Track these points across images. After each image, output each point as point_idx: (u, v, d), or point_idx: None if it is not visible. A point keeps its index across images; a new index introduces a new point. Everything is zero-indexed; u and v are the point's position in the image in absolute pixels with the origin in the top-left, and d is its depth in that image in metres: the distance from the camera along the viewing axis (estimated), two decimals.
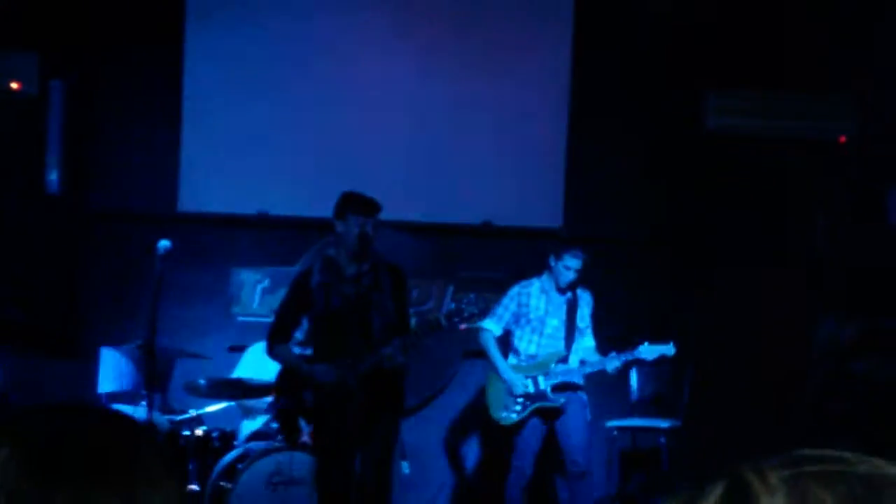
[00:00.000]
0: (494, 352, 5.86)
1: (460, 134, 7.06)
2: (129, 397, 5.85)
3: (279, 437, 5.47)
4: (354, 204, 4.89)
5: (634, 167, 7.12)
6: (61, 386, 6.33)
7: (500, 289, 7.01)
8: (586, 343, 5.88)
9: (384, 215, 5.02)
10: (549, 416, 5.75)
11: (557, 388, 5.71)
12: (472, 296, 6.01)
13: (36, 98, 6.70)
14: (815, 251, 7.15)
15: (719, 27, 7.04)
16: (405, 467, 6.05)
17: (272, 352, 5.10)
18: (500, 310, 5.90)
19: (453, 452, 7.03)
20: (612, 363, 5.63)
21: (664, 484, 6.28)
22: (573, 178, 7.12)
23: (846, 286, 7.05)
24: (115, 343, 6.05)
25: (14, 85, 6.65)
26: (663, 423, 6.48)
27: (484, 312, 5.51)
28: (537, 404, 5.72)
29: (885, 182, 7.11)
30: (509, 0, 7.16)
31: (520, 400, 5.72)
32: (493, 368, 5.84)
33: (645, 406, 6.75)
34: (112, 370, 5.86)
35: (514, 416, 5.75)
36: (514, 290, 5.93)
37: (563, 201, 7.11)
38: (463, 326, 5.25)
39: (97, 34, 6.89)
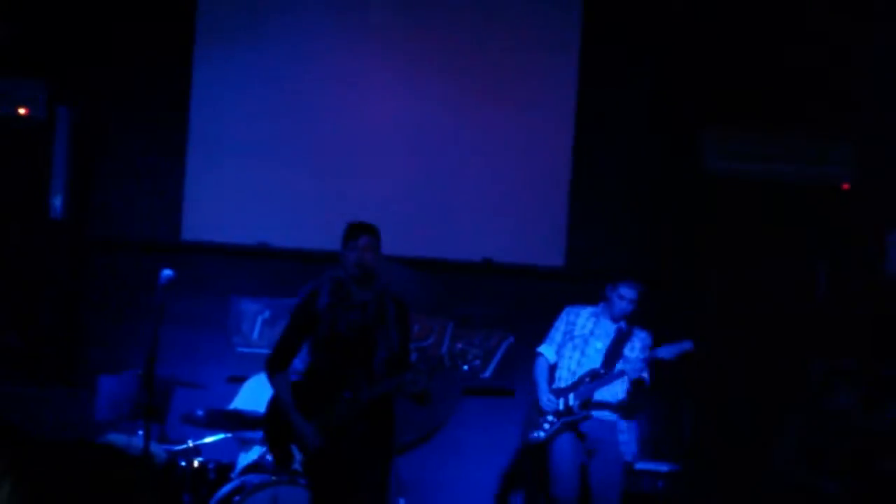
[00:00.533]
0: (538, 377, 5.80)
1: (462, 170, 7.08)
2: (126, 426, 5.82)
3: (276, 471, 5.43)
4: (351, 231, 4.95)
5: (636, 207, 7.14)
6: (59, 413, 6.30)
7: (501, 326, 7.03)
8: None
9: (385, 250, 5.04)
10: (577, 429, 5.67)
11: (585, 405, 5.65)
12: (477, 339, 6.06)
13: (43, 124, 6.73)
14: (815, 297, 7.15)
15: (721, 71, 7.09)
16: None
17: (272, 379, 4.99)
18: (553, 333, 5.87)
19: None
20: (632, 365, 5.56)
21: None
22: (575, 217, 7.14)
23: (844, 332, 7.04)
24: (113, 371, 6.03)
25: (22, 111, 6.68)
26: (662, 467, 6.44)
27: (489, 357, 5.56)
28: (563, 420, 5.67)
29: (884, 228, 7.12)
30: (514, 40, 7.19)
31: (549, 418, 5.68)
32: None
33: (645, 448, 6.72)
34: (110, 398, 5.82)
35: (541, 433, 5.70)
36: (564, 311, 5.90)
37: (565, 239, 7.12)
38: (465, 368, 5.33)
39: (105, 62, 6.93)
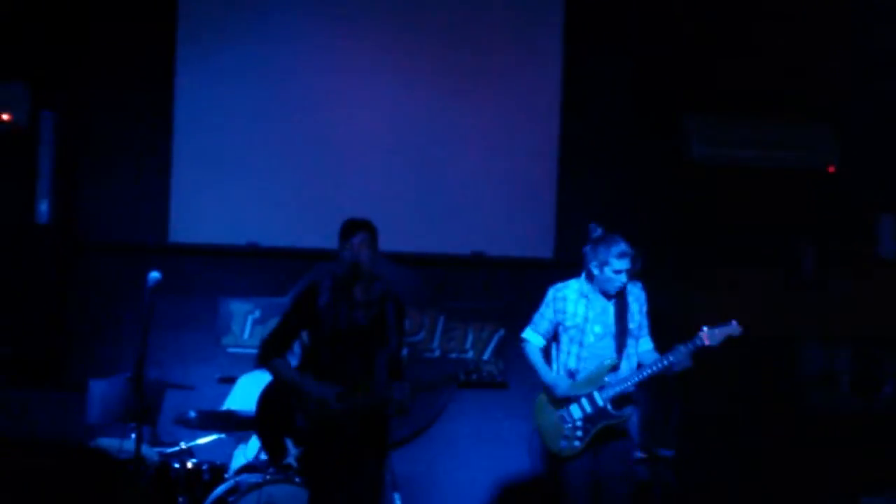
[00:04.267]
0: (537, 361, 5.20)
1: (450, 165, 7.07)
2: (118, 429, 5.80)
3: (271, 470, 5.42)
4: (347, 228, 4.93)
5: (624, 197, 7.14)
6: (49, 418, 6.27)
7: (491, 319, 7.02)
8: (643, 347, 5.21)
9: None
10: (614, 434, 5.10)
11: (617, 402, 5.06)
12: (491, 358, 5.81)
13: (27, 128, 6.70)
14: (805, 280, 7.17)
15: (705, 59, 7.11)
16: (397, 499, 6.02)
17: (268, 364, 4.92)
18: (536, 318, 5.25)
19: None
20: (678, 356, 4.98)
21: None
22: (564, 209, 7.14)
23: (836, 316, 7.07)
24: (103, 374, 6.01)
25: (5, 116, 6.65)
26: (662, 452, 6.41)
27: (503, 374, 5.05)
28: (601, 424, 5.05)
29: (874, 211, 7.15)
30: (499, 34, 7.19)
31: (579, 424, 5.06)
32: (540, 382, 5.18)
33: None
34: (100, 402, 5.80)
35: (577, 443, 5.06)
36: (549, 294, 5.24)
37: (554, 231, 7.11)
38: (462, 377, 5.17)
39: (88, 65, 6.90)
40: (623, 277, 5.09)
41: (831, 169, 7.17)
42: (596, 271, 5.12)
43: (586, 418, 5.06)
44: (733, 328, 5.01)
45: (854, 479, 6.47)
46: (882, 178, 7.16)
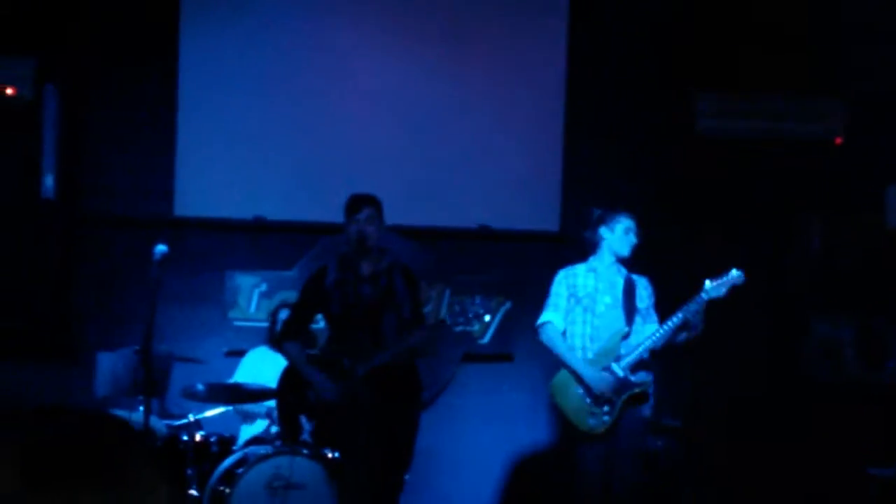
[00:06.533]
0: (563, 348, 5.16)
1: (457, 138, 7.05)
2: (126, 402, 5.83)
3: (278, 442, 5.45)
4: (352, 203, 4.98)
5: (629, 170, 7.12)
6: (58, 391, 6.31)
7: (498, 292, 7.02)
8: (650, 329, 5.19)
9: None
10: (638, 401, 5.09)
11: (635, 369, 5.08)
12: (477, 299, 5.86)
13: (31, 103, 6.68)
14: (811, 252, 7.15)
15: (711, 30, 7.07)
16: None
17: (282, 348, 5.13)
18: (553, 299, 5.27)
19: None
20: (687, 314, 4.95)
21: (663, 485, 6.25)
22: (569, 182, 7.12)
23: (843, 287, 7.05)
24: (111, 348, 6.03)
25: (9, 90, 6.63)
26: (670, 422, 6.41)
27: (486, 313, 5.18)
28: (625, 395, 5.05)
29: (883, 182, 7.12)
30: (504, 6, 7.15)
31: (603, 397, 5.05)
32: (566, 368, 5.14)
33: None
34: (109, 375, 5.83)
35: (606, 418, 5.04)
36: (560, 275, 5.31)
37: (560, 204, 7.10)
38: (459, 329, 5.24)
39: (92, 39, 6.87)
40: (633, 237, 5.17)
41: (838, 141, 7.15)
42: (608, 234, 5.21)
43: (610, 392, 5.05)
44: (734, 276, 5.02)
45: (860, 451, 6.48)
46: (890, 150, 7.12)
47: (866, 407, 6.81)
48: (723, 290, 5.01)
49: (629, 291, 5.20)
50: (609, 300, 5.19)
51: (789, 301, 7.00)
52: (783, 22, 7.04)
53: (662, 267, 6.07)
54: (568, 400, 5.15)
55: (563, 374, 5.21)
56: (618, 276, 5.26)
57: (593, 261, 5.29)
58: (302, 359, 5.00)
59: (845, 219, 7.12)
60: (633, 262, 5.37)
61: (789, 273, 7.04)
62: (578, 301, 5.20)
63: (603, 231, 5.24)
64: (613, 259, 5.29)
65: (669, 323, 5.08)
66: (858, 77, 7.08)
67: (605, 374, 5.08)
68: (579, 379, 5.14)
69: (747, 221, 7.13)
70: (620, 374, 5.08)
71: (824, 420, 6.85)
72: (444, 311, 6.89)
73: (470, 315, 5.00)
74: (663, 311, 5.32)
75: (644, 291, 5.27)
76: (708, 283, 5.02)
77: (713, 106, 7.11)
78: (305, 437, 5.38)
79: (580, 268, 5.31)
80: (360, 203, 4.96)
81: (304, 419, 5.28)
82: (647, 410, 5.22)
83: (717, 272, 5.10)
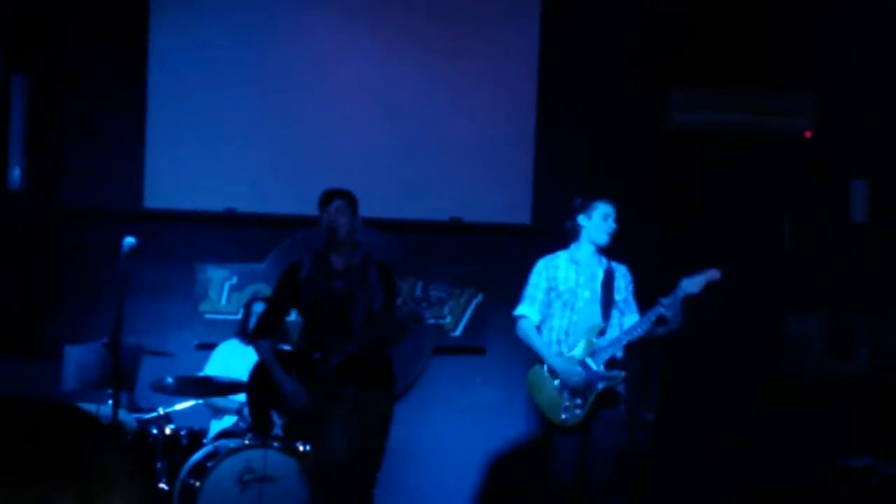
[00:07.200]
0: (537, 342, 5.16)
1: (427, 131, 7.04)
2: (94, 395, 5.78)
3: (248, 436, 5.42)
4: (325, 197, 4.99)
5: (602, 164, 7.13)
6: (25, 385, 6.24)
7: (469, 284, 7.02)
8: (630, 321, 5.19)
9: None
10: (610, 399, 5.11)
11: (609, 365, 5.10)
12: (443, 283, 5.83)
13: None
14: (782, 247, 7.20)
15: (684, 24, 7.09)
16: None
17: (255, 343, 5.12)
18: (530, 290, 5.23)
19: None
20: (663, 310, 4.96)
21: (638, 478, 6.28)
22: (541, 175, 7.12)
23: (812, 281, 7.10)
24: (79, 340, 5.97)
25: None
26: (646, 417, 6.44)
27: (459, 315, 5.16)
28: (597, 388, 5.06)
29: (849, 176, 7.18)
30: (477, 0, 7.14)
31: (577, 391, 5.07)
32: (541, 361, 5.16)
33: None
34: (76, 368, 5.77)
35: (578, 412, 5.07)
36: (540, 264, 5.25)
37: (531, 197, 7.11)
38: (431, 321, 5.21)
39: (61, 28, 6.79)
40: (612, 224, 5.16)
41: (807, 134, 7.20)
42: (585, 222, 5.19)
43: (583, 386, 5.06)
44: (712, 273, 5.01)
45: (830, 443, 6.54)
46: (856, 144, 7.18)
47: (837, 400, 6.87)
48: (698, 287, 5.02)
49: (608, 284, 5.20)
50: (588, 294, 5.18)
51: (760, 295, 7.04)
52: (755, 16, 7.07)
53: (634, 261, 6.09)
54: (542, 393, 5.16)
55: (537, 368, 5.21)
56: (598, 268, 5.24)
57: (574, 251, 5.26)
58: (273, 360, 4.97)
59: (813, 212, 7.17)
60: (612, 252, 5.35)
61: (760, 267, 7.08)
62: (559, 295, 5.18)
63: (581, 219, 5.23)
64: (593, 249, 5.27)
65: (644, 319, 5.09)
66: (828, 71, 7.13)
67: (578, 368, 5.08)
68: (553, 372, 5.14)
69: (718, 214, 7.16)
70: (593, 367, 5.09)
71: (794, 413, 6.91)
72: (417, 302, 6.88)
73: (432, 300, 4.99)
74: (638, 305, 5.32)
75: (622, 281, 5.25)
76: (684, 280, 5.02)
77: (685, 99, 7.14)
78: (277, 431, 5.35)
79: (561, 258, 5.26)
80: (331, 196, 4.98)
81: (275, 414, 5.26)
82: (621, 407, 5.24)
83: (693, 268, 5.10)
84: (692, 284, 5.00)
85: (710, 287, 5.03)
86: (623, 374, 5.13)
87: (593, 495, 5.08)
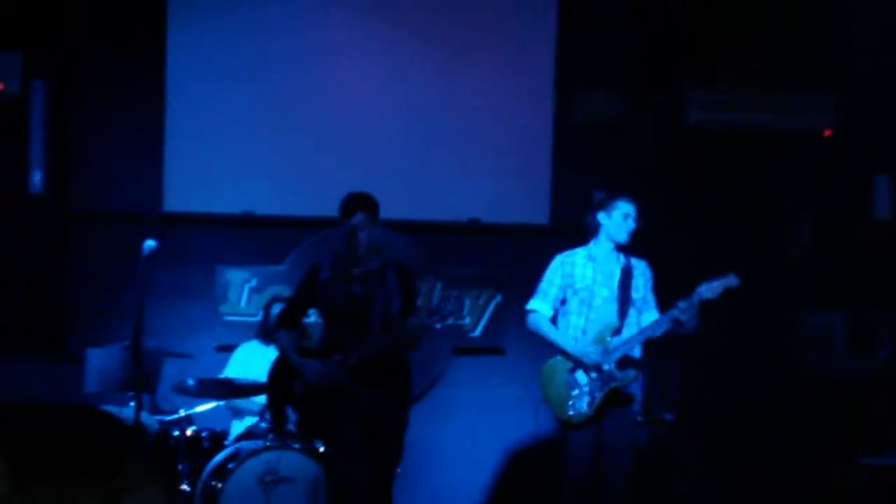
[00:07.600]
0: (550, 330, 5.12)
1: (445, 131, 7.04)
2: (116, 398, 5.81)
3: (270, 437, 5.45)
4: (346, 206, 4.94)
5: (619, 164, 7.11)
6: (47, 388, 6.28)
7: (488, 285, 7.02)
8: (648, 319, 5.13)
9: None
10: (621, 399, 5.06)
11: (621, 364, 5.04)
12: (454, 292, 5.82)
13: (18, 98, 6.65)
14: (801, 245, 7.16)
15: (702, 23, 7.06)
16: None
17: (276, 335, 5.18)
18: (543, 286, 5.19)
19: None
20: (679, 313, 4.90)
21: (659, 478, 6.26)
22: (559, 175, 7.11)
23: (832, 279, 7.07)
24: (101, 344, 6.01)
25: None
26: (666, 416, 6.41)
27: (478, 316, 5.15)
28: (607, 387, 5.02)
29: (870, 173, 7.13)
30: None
31: (586, 389, 5.03)
32: (554, 349, 5.11)
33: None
34: (99, 371, 5.81)
35: (585, 408, 5.03)
36: (557, 260, 5.21)
37: (549, 198, 7.10)
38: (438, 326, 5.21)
39: (79, 34, 6.84)
40: (632, 223, 5.11)
41: (827, 132, 7.16)
42: (605, 220, 5.14)
43: (592, 383, 5.03)
44: (730, 279, 4.96)
45: (852, 441, 6.50)
46: (877, 141, 7.14)
47: (858, 398, 6.83)
48: (716, 293, 4.97)
49: (625, 283, 5.14)
50: (606, 293, 5.13)
51: (779, 293, 7.01)
52: (773, 15, 7.04)
53: (650, 260, 6.07)
54: (551, 390, 5.13)
55: (549, 364, 5.19)
56: (616, 265, 5.18)
57: (593, 247, 5.21)
58: (291, 348, 5.03)
59: (834, 209, 7.13)
60: (630, 249, 5.30)
61: (779, 265, 7.05)
62: (576, 293, 5.13)
63: (601, 216, 5.17)
64: (612, 245, 5.20)
65: (660, 321, 5.05)
66: (847, 69, 7.09)
67: (591, 347, 5.04)
68: (565, 364, 5.10)
69: (736, 213, 7.14)
70: (605, 366, 5.04)
71: (815, 411, 6.87)
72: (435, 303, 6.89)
73: (444, 313, 5.00)
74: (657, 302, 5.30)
75: (641, 279, 5.19)
76: (703, 285, 4.98)
77: (704, 99, 7.11)
78: (291, 427, 5.39)
79: (579, 254, 5.21)
80: (353, 207, 4.90)
81: (290, 410, 5.29)
82: (635, 407, 5.21)
83: (712, 267, 5.06)
84: (709, 290, 4.96)
85: (727, 293, 4.99)
86: (635, 374, 5.08)
87: (608, 493, 5.07)
